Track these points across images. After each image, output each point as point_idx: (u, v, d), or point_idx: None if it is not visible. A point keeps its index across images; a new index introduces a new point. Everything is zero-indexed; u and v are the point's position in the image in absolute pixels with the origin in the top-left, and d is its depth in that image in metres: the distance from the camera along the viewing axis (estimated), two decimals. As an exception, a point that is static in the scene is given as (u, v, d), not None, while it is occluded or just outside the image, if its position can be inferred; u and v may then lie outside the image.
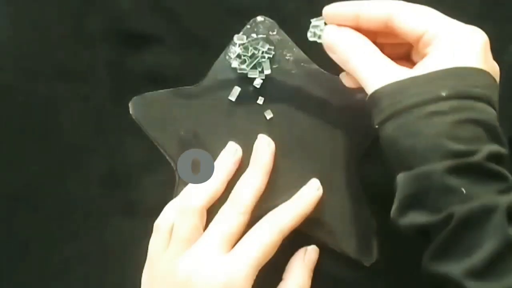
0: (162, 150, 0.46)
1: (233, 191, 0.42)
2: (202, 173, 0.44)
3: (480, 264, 0.32)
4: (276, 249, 0.40)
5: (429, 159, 0.33)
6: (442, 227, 0.33)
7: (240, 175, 0.43)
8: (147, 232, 0.42)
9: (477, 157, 0.33)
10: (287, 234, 0.41)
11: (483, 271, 0.32)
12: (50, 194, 0.46)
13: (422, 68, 0.36)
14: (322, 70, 0.46)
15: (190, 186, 0.43)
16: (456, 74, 0.35)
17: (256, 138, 0.45)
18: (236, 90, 0.46)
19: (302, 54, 0.46)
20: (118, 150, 0.47)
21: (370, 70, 0.37)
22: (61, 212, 0.46)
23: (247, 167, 0.44)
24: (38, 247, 0.46)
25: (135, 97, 0.46)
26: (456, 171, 0.33)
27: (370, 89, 0.37)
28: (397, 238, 0.45)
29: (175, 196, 0.44)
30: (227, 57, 0.46)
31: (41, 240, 0.46)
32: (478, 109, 0.34)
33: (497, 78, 0.37)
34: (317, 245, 0.44)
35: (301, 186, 0.44)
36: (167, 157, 0.45)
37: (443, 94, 0.34)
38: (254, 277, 0.39)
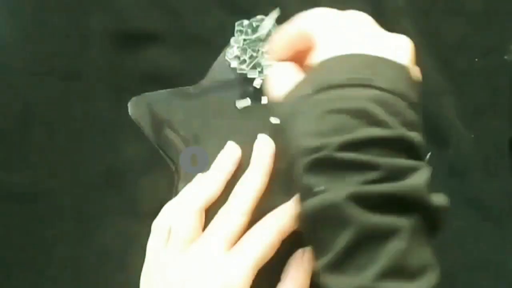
0: (161, 151, 0.46)
1: (233, 192, 0.42)
2: (201, 174, 0.44)
3: (333, 259, 0.31)
4: (275, 249, 0.40)
5: (296, 159, 0.33)
6: (301, 224, 0.33)
7: (240, 176, 0.43)
8: (146, 232, 0.42)
9: (326, 151, 0.31)
10: (287, 235, 0.41)
11: (338, 266, 0.30)
12: (49, 194, 0.46)
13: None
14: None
15: (189, 186, 0.43)
16: (318, 69, 0.34)
17: (256, 138, 0.45)
18: (247, 101, 0.46)
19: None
20: (117, 150, 0.47)
21: (274, 85, 0.37)
22: (60, 213, 0.46)
23: (247, 167, 0.44)
24: (37, 248, 0.46)
25: (134, 98, 0.46)
26: (309, 168, 0.32)
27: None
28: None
29: (174, 197, 0.44)
30: (226, 57, 0.46)
31: (40, 240, 0.46)
32: (342, 97, 0.32)
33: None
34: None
35: (301, 187, 0.44)
36: (166, 158, 0.45)
37: (310, 92, 0.33)
38: (253, 277, 0.39)
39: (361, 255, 0.30)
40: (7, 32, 0.49)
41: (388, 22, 0.47)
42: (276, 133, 0.45)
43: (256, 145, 0.44)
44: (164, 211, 0.43)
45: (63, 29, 0.49)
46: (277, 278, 0.42)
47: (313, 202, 0.31)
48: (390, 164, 0.30)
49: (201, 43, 0.48)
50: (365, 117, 0.31)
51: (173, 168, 0.45)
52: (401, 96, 0.32)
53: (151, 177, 0.47)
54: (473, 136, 0.47)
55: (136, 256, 0.42)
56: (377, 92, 0.32)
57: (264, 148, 0.44)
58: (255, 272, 0.39)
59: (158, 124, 0.46)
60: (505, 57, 0.46)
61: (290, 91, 0.35)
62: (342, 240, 0.30)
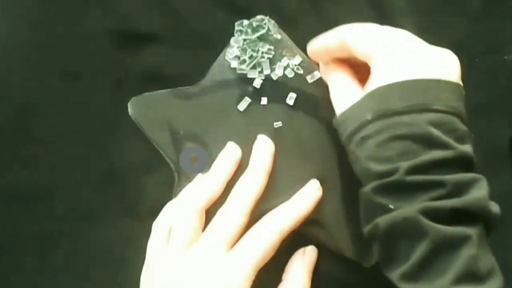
0: (161, 151, 0.45)
1: (232, 192, 0.42)
2: (201, 174, 0.44)
3: (410, 269, 0.33)
4: (275, 249, 0.40)
5: (364, 182, 0.37)
6: (373, 238, 0.36)
7: (240, 176, 0.43)
8: (147, 232, 0.42)
9: (396, 175, 0.34)
10: (287, 235, 0.41)
11: (415, 275, 0.33)
12: (50, 194, 0.46)
13: (364, 92, 0.37)
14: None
15: (189, 187, 0.43)
16: (378, 95, 0.36)
17: (255, 138, 0.45)
18: (246, 101, 0.45)
19: (302, 54, 0.46)
20: (117, 150, 0.47)
21: (335, 100, 0.40)
22: (61, 213, 0.46)
23: (246, 167, 0.44)
24: (37, 247, 0.46)
25: (134, 98, 0.46)
26: (380, 190, 0.35)
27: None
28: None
29: (174, 197, 0.44)
30: (226, 57, 0.46)
31: (40, 240, 0.46)
32: (404, 123, 0.35)
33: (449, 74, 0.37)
34: (317, 246, 0.44)
35: (300, 187, 0.44)
36: (166, 158, 0.45)
37: (368, 117, 0.36)
38: (254, 278, 0.39)
39: (437, 263, 0.33)
40: (7, 32, 0.49)
41: (388, 22, 0.47)
42: (277, 134, 0.45)
43: (256, 145, 0.44)
44: (164, 211, 0.43)
45: (63, 28, 0.49)
46: (277, 278, 0.42)
47: (388, 218, 0.34)
48: (454, 181, 0.34)
49: (201, 43, 0.48)
50: (426, 140, 0.34)
51: (173, 168, 0.45)
52: (455, 114, 0.35)
53: (151, 177, 0.47)
54: (473, 136, 0.47)
55: (136, 256, 0.42)
56: (434, 115, 0.35)
57: (263, 148, 0.44)
58: (256, 272, 0.39)
59: (158, 124, 0.46)
60: (505, 57, 0.46)
61: (348, 112, 0.38)
62: (419, 250, 0.33)
